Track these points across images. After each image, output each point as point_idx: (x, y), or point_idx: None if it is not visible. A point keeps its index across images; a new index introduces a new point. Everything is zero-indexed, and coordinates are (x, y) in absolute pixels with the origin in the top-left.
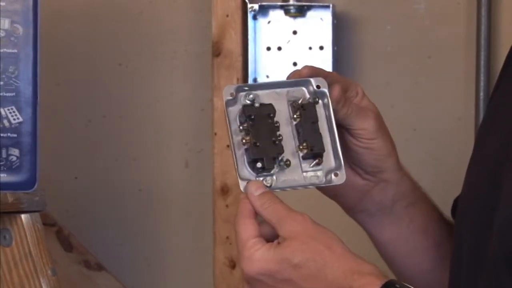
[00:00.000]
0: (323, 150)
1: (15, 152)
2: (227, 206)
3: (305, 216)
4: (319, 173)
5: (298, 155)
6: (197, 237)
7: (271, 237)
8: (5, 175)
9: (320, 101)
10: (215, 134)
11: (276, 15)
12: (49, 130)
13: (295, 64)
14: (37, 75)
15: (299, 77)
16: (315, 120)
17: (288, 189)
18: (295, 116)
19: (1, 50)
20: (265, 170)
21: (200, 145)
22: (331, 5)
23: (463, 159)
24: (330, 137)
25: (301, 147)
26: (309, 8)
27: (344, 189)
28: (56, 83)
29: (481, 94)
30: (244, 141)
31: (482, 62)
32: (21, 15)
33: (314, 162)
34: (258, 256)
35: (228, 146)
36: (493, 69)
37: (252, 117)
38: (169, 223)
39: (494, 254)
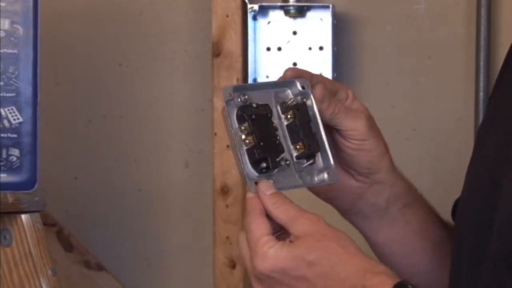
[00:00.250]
0: (319, 149)
1: (15, 152)
2: (227, 206)
3: (319, 216)
4: (313, 172)
5: (292, 155)
6: (197, 237)
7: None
8: (5, 175)
9: (306, 101)
10: (215, 134)
11: (276, 15)
12: (49, 131)
13: (295, 64)
14: (37, 75)
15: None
16: (309, 120)
17: (286, 189)
18: (288, 116)
19: (1, 51)
20: (268, 170)
21: (200, 145)
22: (330, 6)
23: (463, 159)
24: (318, 136)
25: (297, 146)
26: (309, 8)
27: (338, 191)
28: (56, 83)
29: (481, 94)
30: (247, 141)
31: (481, 62)
32: (21, 16)
33: (308, 162)
34: (272, 253)
35: (228, 146)
36: (492, 69)
37: (253, 117)
38: (169, 223)
39: (494, 254)
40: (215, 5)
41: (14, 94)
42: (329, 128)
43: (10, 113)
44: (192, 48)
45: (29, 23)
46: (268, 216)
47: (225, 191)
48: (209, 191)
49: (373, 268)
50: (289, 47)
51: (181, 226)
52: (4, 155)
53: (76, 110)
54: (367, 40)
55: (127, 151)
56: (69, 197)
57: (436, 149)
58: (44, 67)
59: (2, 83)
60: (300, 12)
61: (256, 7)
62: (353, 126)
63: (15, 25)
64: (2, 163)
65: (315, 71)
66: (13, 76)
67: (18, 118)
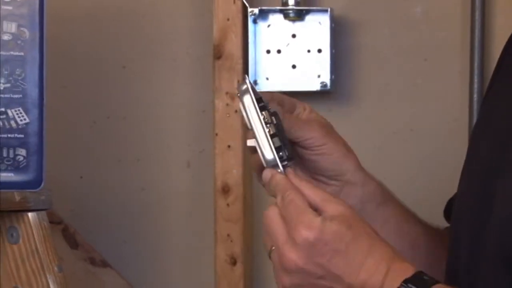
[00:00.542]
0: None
1: (22, 152)
2: (228, 205)
3: (348, 204)
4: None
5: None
6: (198, 235)
7: None
8: (13, 174)
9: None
10: (216, 134)
11: (276, 19)
12: (55, 131)
13: (294, 66)
14: (43, 77)
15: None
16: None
17: None
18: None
19: (8, 53)
20: (283, 160)
21: (201, 145)
22: (329, 9)
23: (459, 160)
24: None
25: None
26: (308, 12)
27: None
28: (62, 85)
29: (475, 96)
30: (268, 130)
31: (476, 64)
32: (27, 19)
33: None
34: (318, 222)
35: (229, 146)
36: (486, 70)
37: (269, 108)
38: (171, 222)
39: (492, 254)
40: (216, 9)
41: (21, 95)
42: (292, 143)
43: (17, 114)
44: (193, 50)
45: (35, 26)
46: None
47: (226, 190)
48: (210, 191)
49: (399, 254)
50: (288, 50)
51: (183, 224)
52: (11, 155)
53: (81, 112)
54: (364, 43)
55: (131, 151)
56: (74, 196)
57: (433, 149)
58: (50, 70)
59: (9, 85)
60: (299, 15)
61: (256, 10)
62: (308, 135)
63: (21, 28)
64: (9, 163)
65: (313, 73)
66: (20, 78)
67: (25, 119)
